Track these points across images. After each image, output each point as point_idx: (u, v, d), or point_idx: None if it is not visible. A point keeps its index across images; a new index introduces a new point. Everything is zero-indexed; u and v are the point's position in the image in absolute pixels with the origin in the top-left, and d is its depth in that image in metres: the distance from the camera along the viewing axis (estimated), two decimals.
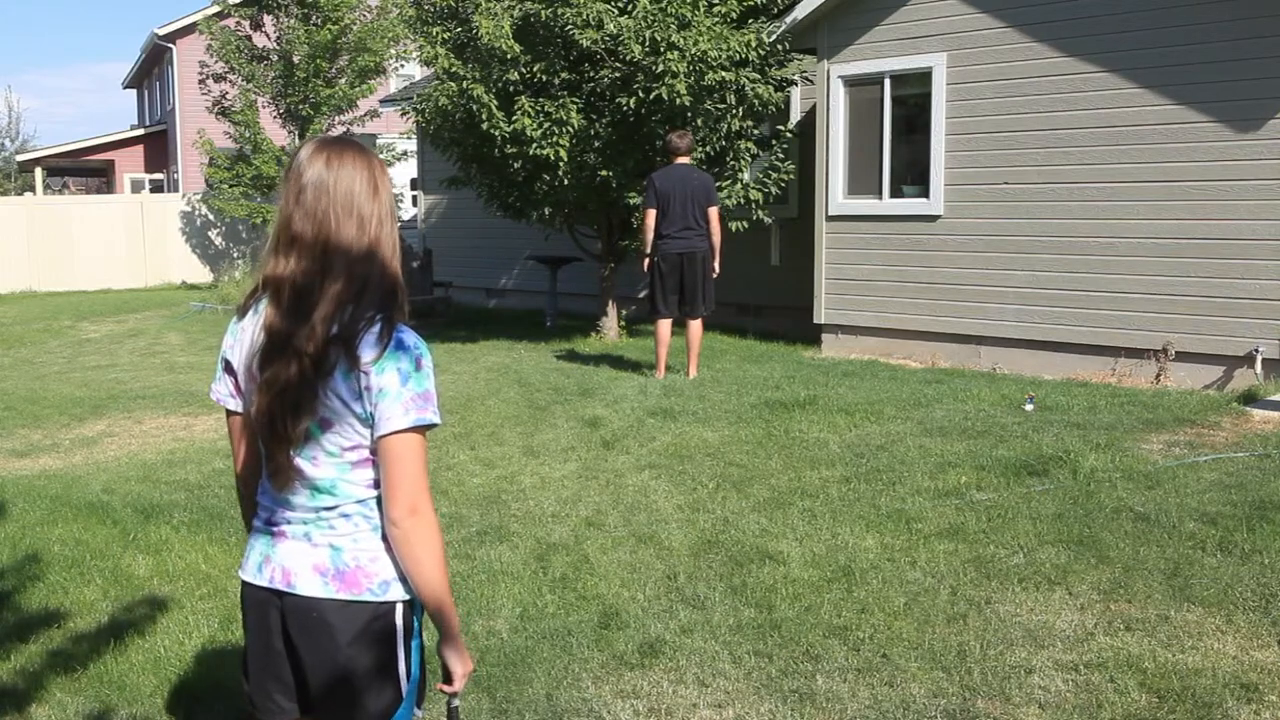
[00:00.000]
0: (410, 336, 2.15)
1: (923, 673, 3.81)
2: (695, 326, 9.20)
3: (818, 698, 3.67)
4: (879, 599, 4.44)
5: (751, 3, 10.69)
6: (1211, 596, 4.28)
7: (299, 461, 2.16)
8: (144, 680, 3.96)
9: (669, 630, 4.24)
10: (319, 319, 2.11)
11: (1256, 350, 8.21)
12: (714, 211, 9.09)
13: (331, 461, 2.16)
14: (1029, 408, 7.47)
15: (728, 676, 3.87)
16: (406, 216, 24.57)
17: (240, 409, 2.28)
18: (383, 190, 2.21)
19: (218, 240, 24.97)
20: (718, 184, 10.99)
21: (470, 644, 4.16)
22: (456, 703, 2.30)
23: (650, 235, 9.11)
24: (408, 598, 2.20)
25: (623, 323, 12.36)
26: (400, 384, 2.10)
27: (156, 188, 32.08)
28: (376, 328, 2.11)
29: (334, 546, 2.18)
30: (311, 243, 2.14)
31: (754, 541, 5.16)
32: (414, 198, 23.32)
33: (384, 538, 2.18)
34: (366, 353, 2.10)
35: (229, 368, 2.28)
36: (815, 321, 11.05)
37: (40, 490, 6.45)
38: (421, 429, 2.12)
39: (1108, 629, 4.07)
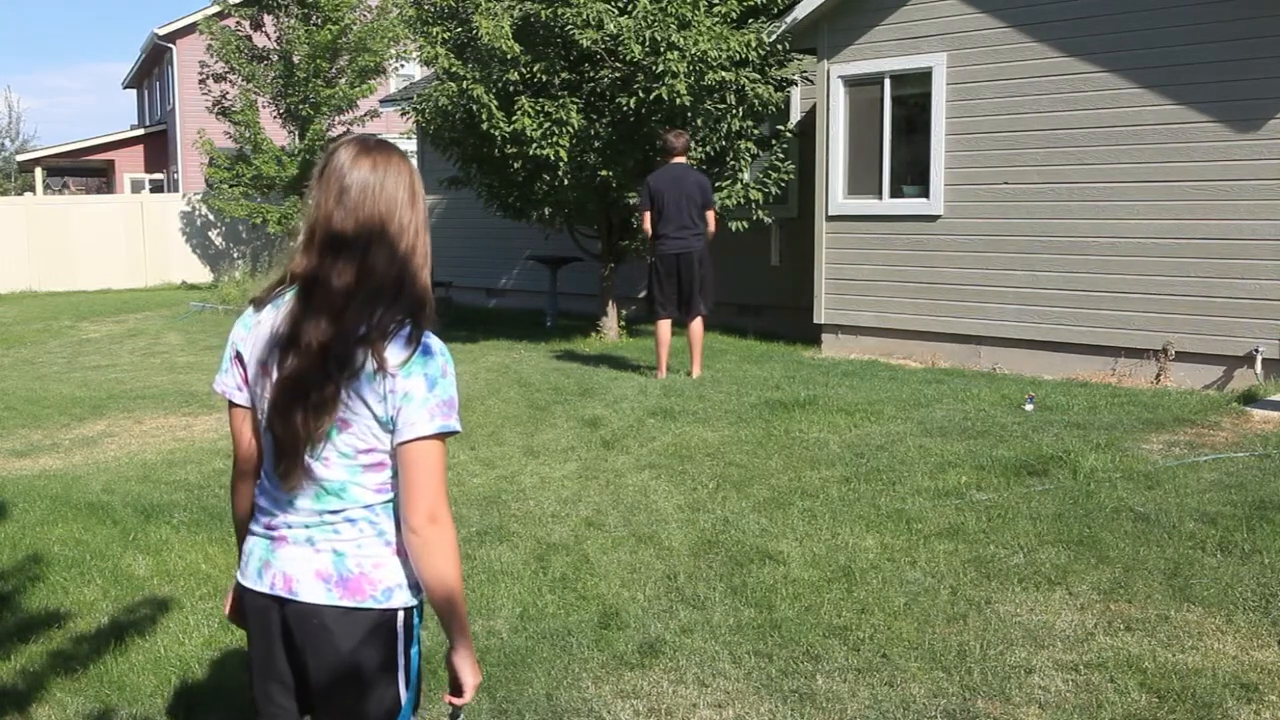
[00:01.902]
0: (436, 343, 2.14)
1: (923, 673, 3.81)
2: (696, 326, 9.20)
3: (818, 698, 3.67)
4: (879, 599, 4.44)
5: (751, 3, 10.69)
6: (1211, 596, 4.28)
7: (310, 461, 2.13)
8: (144, 680, 3.96)
9: (669, 630, 4.24)
10: (348, 319, 2.09)
11: (1256, 350, 8.21)
12: (710, 213, 9.10)
13: (344, 463, 2.13)
14: (1029, 408, 7.47)
15: (728, 676, 3.87)
16: None
17: (246, 402, 2.24)
18: (420, 199, 2.20)
19: (218, 240, 24.96)
20: (718, 184, 11.00)
21: None
22: (462, 715, 2.27)
23: (651, 237, 9.16)
24: (411, 604, 2.18)
25: (623, 323, 12.35)
26: (427, 390, 2.09)
27: (156, 188, 32.09)
28: (405, 331, 2.10)
29: (337, 552, 2.16)
30: (351, 244, 2.12)
31: (754, 541, 5.16)
32: None
33: (389, 544, 2.16)
34: (394, 355, 2.08)
35: (240, 360, 2.23)
36: (815, 321, 11.05)
37: (40, 490, 6.45)
38: (443, 436, 2.11)
39: (1108, 629, 4.07)
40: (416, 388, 2.08)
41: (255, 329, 2.21)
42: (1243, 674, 3.68)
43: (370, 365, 2.07)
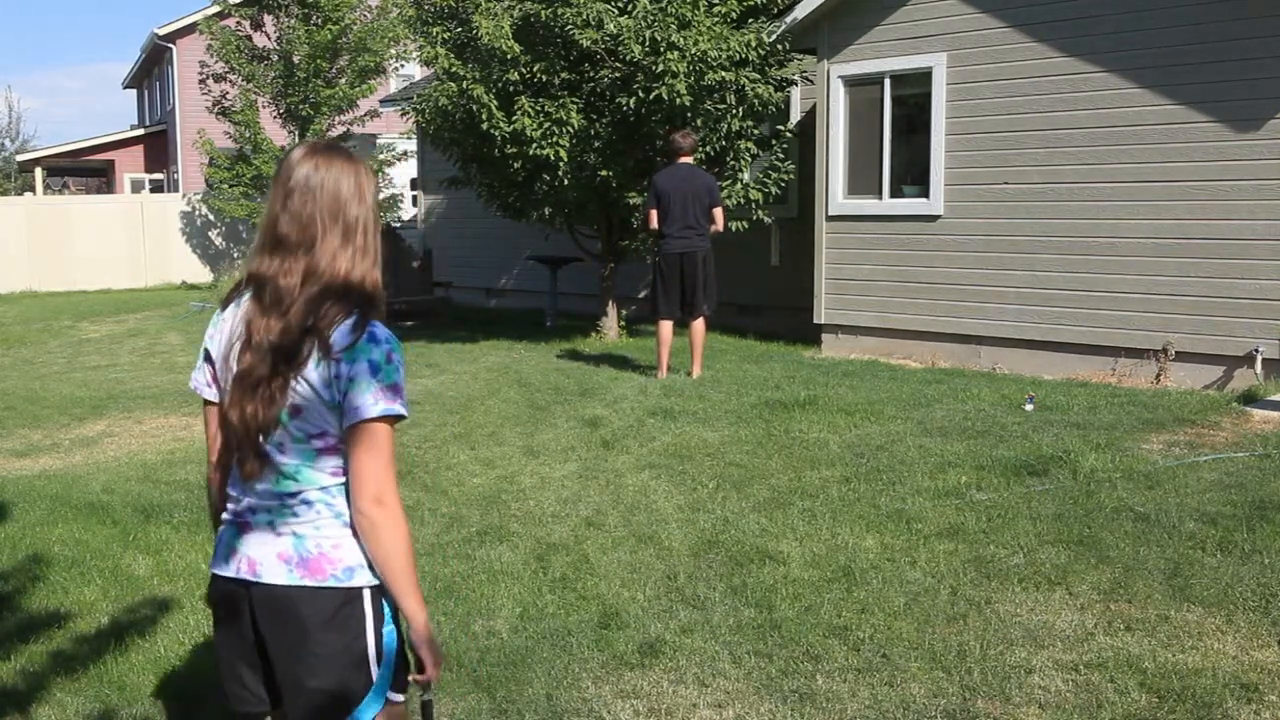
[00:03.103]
0: (382, 331, 2.21)
1: (923, 673, 3.82)
2: (698, 326, 9.19)
3: (818, 698, 3.68)
4: (879, 599, 4.44)
5: (751, 3, 10.68)
6: (1211, 596, 4.28)
7: (267, 448, 2.20)
8: (144, 680, 3.96)
9: (669, 630, 4.24)
10: (296, 316, 2.17)
11: (1256, 350, 8.21)
12: (718, 212, 9.10)
13: (298, 448, 2.20)
14: (1029, 408, 7.47)
15: (728, 676, 3.87)
16: (406, 216, 24.55)
17: (216, 398, 2.33)
18: (368, 196, 2.28)
19: (218, 240, 24.97)
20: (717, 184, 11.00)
21: (470, 644, 4.17)
22: (429, 696, 2.33)
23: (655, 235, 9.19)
24: (375, 583, 2.23)
25: (623, 323, 12.36)
26: (370, 374, 2.15)
27: (156, 188, 32.07)
28: (351, 320, 2.17)
29: (297, 534, 2.23)
30: (295, 245, 2.21)
31: (754, 541, 5.16)
32: (414, 198, 23.28)
33: (347, 524, 2.22)
34: (339, 341, 2.15)
35: (208, 357, 2.34)
36: (815, 321, 11.05)
37: (40, 490, 6.45)
38: (390, 419, 2.17)
39: (1108, 629, 4.07)
40: (361, 373, 2.15)
41: (220, 327, 2.33)
42: (1243, 674, 3.68)
43: (317, 353, 2.15)
